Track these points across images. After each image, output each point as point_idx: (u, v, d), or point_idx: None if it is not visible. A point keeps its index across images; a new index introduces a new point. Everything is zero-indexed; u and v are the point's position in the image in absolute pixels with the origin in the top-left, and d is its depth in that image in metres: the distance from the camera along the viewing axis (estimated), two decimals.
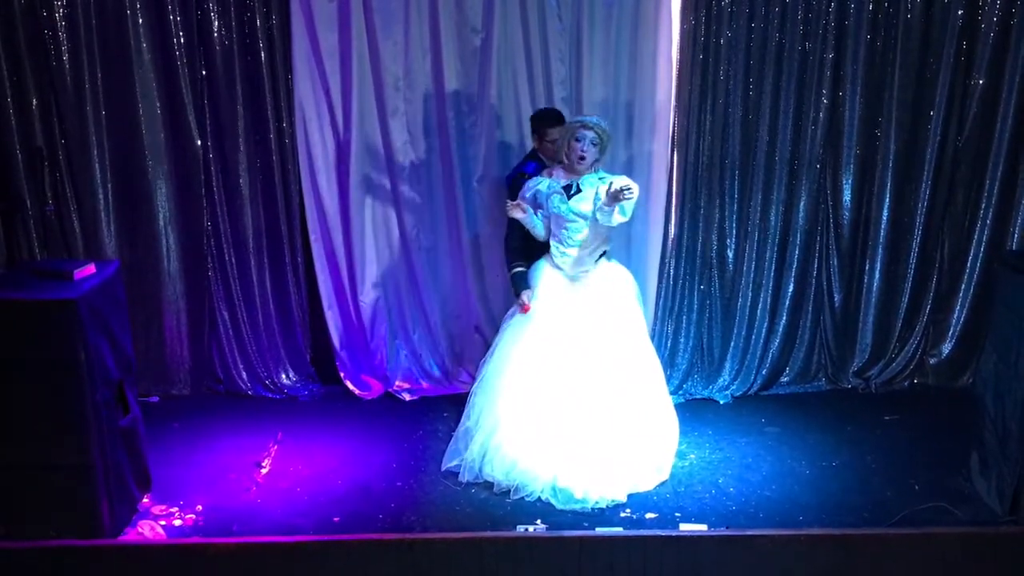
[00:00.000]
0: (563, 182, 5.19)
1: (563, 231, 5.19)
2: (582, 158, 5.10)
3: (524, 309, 5.29)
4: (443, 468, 5.29)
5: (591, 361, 5.13)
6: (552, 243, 5.28)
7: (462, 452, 5.24)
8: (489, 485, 5.11)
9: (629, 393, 5.16)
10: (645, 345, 5.36)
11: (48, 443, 4.40)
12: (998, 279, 5.13)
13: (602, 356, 5.14)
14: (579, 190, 5.15)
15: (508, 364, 5.22)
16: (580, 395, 5.09)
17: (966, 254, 6.36)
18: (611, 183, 4.95)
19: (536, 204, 5.27)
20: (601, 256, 5.30)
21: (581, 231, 5.16)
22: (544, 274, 5.32)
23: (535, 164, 5.57)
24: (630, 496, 5.03)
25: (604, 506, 4.94)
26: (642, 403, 5.20)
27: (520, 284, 5.41)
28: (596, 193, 5.11)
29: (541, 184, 5.23)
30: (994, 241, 6.27)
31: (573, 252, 5.23)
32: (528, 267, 5.44)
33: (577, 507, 4.92)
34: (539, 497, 4.98)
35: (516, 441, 5.10)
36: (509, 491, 5.04)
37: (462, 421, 5.35)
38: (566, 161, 5.18)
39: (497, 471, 5.09)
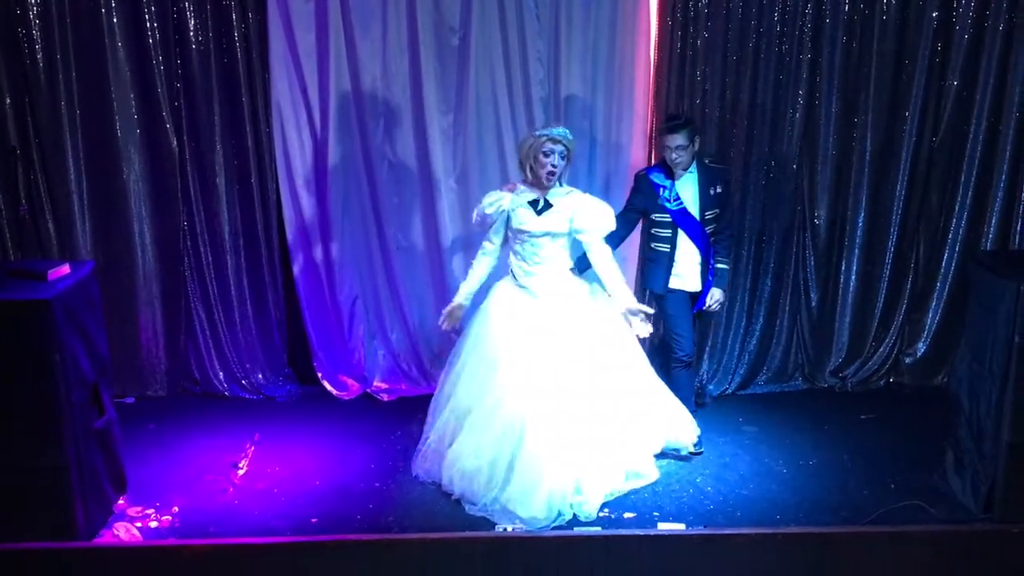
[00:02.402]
0: (529, 197, 5.05)
1: (530, 248, 5.06)
2: (552, 173, 4.97)
3: None
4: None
5: (559, 373, 4.98)
6: (515, 261, 5.15)
7: (428, 469, 5.15)
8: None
9: (603, 403, 5.05)
10: (636, 351, 5.28)
11: (22, 445, 4.36)
12: (973, 279, 5.17)
13: (573, 367, 5.01)
14: (547, 205, 5.02)
15: (467, 380, 5.10)
16: (546, 408, 4.94)
17: (941, 254, 6.41)
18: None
19: (489, 223, 5.14)
20: (566, 269, 5.19)
21: (548, 247, 5.05)
22: (502, 292, 5.20)
23: (659, 168, 5.44)
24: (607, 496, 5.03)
25: (564, 522, 4.84)
26: (621, 411, 5.12)
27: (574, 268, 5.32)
28: (572, 220, 5.02)
29: (502, 200, 5.06)
30: (969, 241, 6.32)
31: (542, 270, 5.10)
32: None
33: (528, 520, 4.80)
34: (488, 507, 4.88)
35: (476, 455, 4.95)
36: (461, 499, 4.95)
37: (423, 439, 5.24)
38: (530, 176, 5.03)
39: (458, 484, 4.98)
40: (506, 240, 5.21)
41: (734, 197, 5.91)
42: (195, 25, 5.81)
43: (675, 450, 5.44)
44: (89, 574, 4.14)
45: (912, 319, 6.54)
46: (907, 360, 6.58)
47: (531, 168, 5.01)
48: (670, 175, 5.37)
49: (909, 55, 6.02)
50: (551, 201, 5.02)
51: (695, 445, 5.48)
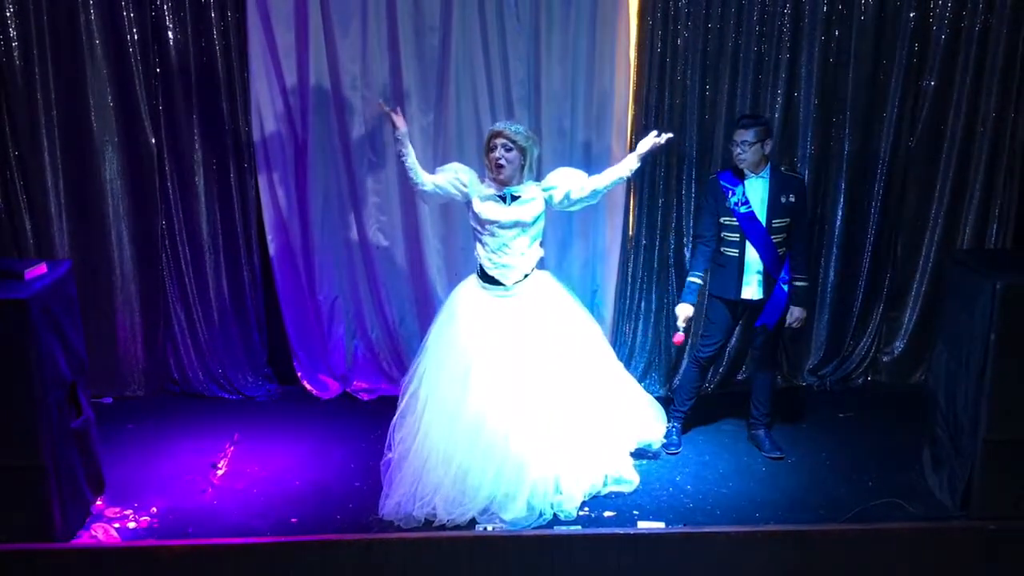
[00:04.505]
0: (491, 192, 5.01)
1: (499, 239, 5.01)
2: (499, 166, 4.94)
3: (676, 340, 5.41)
4: (380, 514, 4.89)
5: (533, 373, 4.95)
6: (483, 253, 5.08)
7: (395, 492, 4.90)
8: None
9: (576, 402, 5.03)
10: (604, 348, 5.31)
11: None
12: (950, 277, 5.21)
13: (546, 365, 4.97)
14: (515, 197, 4.99)
15: (437, 395, 4.98)
16: (524, 413, 4.91)
17: (918, 253, 6.45)
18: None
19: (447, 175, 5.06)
20: (536, 261, 5.14)
21: (519, 238, 5.02)
22: (467, 294, 5.14)
23: (730, 171, 5.36)
24: (586, 494, 5.03)
25: (545, 521, 4.83)
26: (595, 409, 5.11)
27: (688, 296, 5.41)
28: (550, 196, 5.03)
29: (469, 175, 5.04)
30: (946, 240, 6.37)
31: (513, 261, 5.05)
32: (704, 278, 5.42)
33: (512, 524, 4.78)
34: (475, 520, 4.81)
35: (447, 474, 4.86)
36: (445, 524, 4.78)
37: (385, 453, 5.09)
38: (489, 173, 5.03)
39: (439, 508, 4.81)
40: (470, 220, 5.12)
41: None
42: (173, 23, 5.79)
43: (646, 447, 5.45)
44: (66, 575, 4.12)
45: (890, 317, 6.58)
46: (885, 358, 6.62)
47: (487, 165, 5.04)
48: (741, 179, 5.31)
49: (887, 55, 6.06)
50: (516, 193, 5.01)
51: (667, 439, 5.53)
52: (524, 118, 5.88)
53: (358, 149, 6.02)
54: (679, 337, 5.45)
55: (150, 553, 4.16)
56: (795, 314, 5.42)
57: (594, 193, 5.08)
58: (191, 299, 6.21)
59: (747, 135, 5.21)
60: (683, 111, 6.03)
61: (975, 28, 6.00)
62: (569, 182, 5.07)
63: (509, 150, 4.95)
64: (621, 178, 5.13)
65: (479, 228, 5.06)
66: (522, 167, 5.01)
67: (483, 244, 5.08)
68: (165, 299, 6.22)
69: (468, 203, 5.07)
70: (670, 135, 5.16)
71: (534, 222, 5.03)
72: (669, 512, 4.96)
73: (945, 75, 6.11)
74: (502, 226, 5.00)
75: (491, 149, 4.97)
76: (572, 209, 5.21)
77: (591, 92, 5.97)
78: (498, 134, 4.97)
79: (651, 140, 5.08)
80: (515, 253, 5.03)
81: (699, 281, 5.44)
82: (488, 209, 5.00)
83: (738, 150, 5.24)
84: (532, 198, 5.01)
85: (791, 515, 4.93)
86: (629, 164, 5.11)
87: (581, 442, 5.03)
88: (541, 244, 5.16)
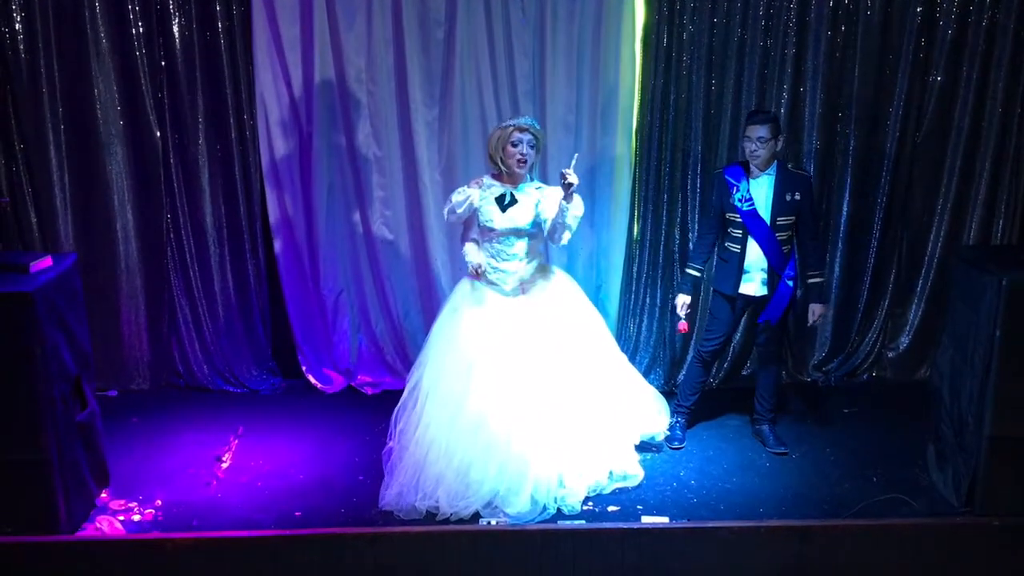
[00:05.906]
0: (496, 192, 4.98)
1: (497, 244, 5.01)
2: (522, 162, 4.89)
3: (681, 328, 5.45)
4: (381, 503, 4.87)
5: (536, 370, 4.94)
6: (484, 260, 5.06)
7: (396, 482, 4.89)
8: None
9: (580, 396, 5.03)
10: (607, 341, 5.31)
11: (3, 438, 4.34)
12: (955, 274, 5.19)
13: (549, 361, 4.97)
14: (513, 200, 4.97)
15: (441, 389, 4.96)
16: (527, 409, 4.91)
17: (924, 249, 6.44)
18: (567, 173, 4.71)
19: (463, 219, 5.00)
20: (536, 264, 5.13)
21: (516, 244, 5.00)
22: (469, 289, 5.12)
23: (737, 166, 5.31)
24: (590, 488, 5.03)
25: (548, 515, 4.81)
26: (598, 403, 5.11)
27: (684, 287, 5.49)
28: (537, 205, 4.96)
29: (471, 196, 4.94)
30: (951, 236, 6.35)
31: (511, 267, 5.03)
32: (702, 271, 5.47)
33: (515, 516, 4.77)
34: (479, 514, 4.79)
35: (449, 467, 4.84)
36: (448, 517, 4.76)
37: (387, 442, 5.09)
38: (503, 168, 4.97)
39: (442, 501, 4.81)
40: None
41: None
42: (179, 16, 5.78)
43: (650, 439, 5.45)
44: (71, 568, 4.13)
45: (895, 313, 6.57)
46: (890, 354, 6.61)
47: (501, 160, 4.97)
48: (747, 175, 5.27)
49: (893, 51, 6.04)
50: (517, 196, 4.98)
51: (671, 434, 5.53)
52: (529, 112, 5.86)
53: (363, 143, 6.01)
54: (683, 325, 5.50)
55: (154, 546, 4.18)
56: (816, 311, 5.45)
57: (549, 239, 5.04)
58: (196, 293, 6.22)
59: (762, 131, 5.14)
60: (688, 105, 6.02)
61: (982, 23, 5.98)
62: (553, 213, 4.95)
63: (532, 146, 4.92)
64: (567, 221, 4.90)
65: (479, 232, 5.07)
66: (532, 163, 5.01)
67: (483, 249, 5.08)
68: (170, 292, 6.23)
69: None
70: (576, 154, 4.96)
71: (530, 227, 5.00)
72: (673, 507, 4.96)
73: (951, 71, 6.09)
74: (497, 232, 4.99)
75: (514, 144, 4.89)
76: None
77: (596, 86, 5.96)
78: (523, 129, 4.89)
79: (568, 178, 4.75)
80: (512, 256, 5.03)
81: (695, 273, 5.47)
82: (487, 214, 4.98)
83: (753, 146, 5.17)
84: (530, 202, 4.99)
85: (795, 510, 4.92)
86: (575, 212, 4.87)
87: (584, 437, 5.03)
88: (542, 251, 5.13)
